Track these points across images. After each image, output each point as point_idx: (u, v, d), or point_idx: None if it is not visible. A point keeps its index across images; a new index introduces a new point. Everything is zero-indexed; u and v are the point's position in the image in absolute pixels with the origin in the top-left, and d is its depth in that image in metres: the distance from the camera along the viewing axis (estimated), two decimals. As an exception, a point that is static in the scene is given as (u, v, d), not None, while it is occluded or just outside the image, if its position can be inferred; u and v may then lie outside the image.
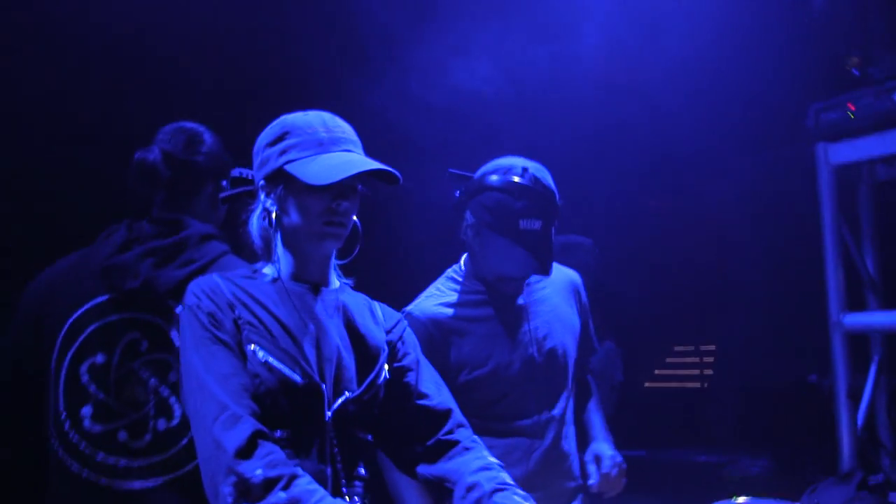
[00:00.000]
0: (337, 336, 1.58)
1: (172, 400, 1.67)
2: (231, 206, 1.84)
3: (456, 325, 2.14)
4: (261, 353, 1.48)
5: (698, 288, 4.59)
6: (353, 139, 1.60)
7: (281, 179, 1.55)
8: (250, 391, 1.45)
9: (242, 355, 1.48)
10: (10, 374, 1.80)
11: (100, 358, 1.69)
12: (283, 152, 1.55)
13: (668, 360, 5.78)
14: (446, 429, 1.64)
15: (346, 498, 1.53)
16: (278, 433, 1.47)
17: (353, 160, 1.53)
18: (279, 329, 1.51)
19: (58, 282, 1.79)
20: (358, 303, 1.68)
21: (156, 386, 1.67)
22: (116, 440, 1.66)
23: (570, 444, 2.24)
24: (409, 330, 1.74)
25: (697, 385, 5.36)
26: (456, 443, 1.63)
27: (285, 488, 1.35)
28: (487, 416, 2.12)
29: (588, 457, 2.23)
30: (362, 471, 1.58)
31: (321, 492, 1.37)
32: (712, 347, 5.24)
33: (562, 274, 2.32)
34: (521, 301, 2.18)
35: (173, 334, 1.69)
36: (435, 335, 2.12)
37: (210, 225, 1.83)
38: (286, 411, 1.47)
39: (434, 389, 1.67)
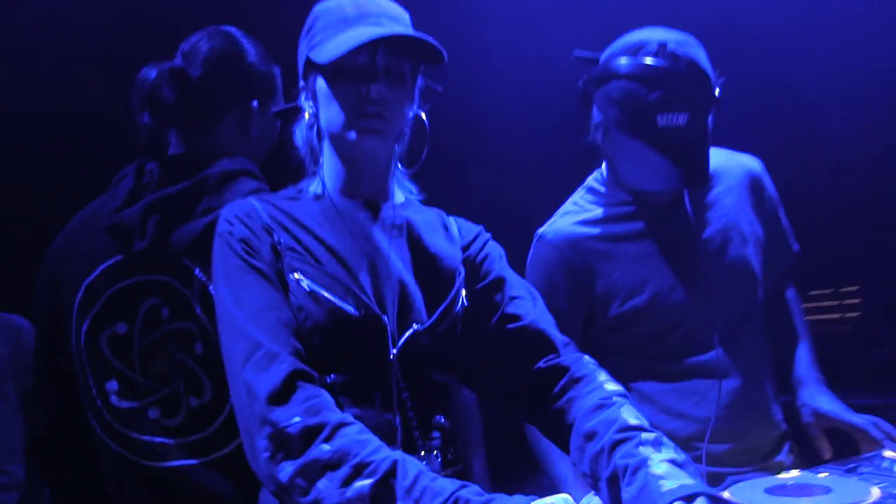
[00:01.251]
0: (399, 260, 1.35)
1: (201, 373, 1.47)
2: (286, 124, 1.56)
3: (600, 246, 1.79)
4: (305, 283, 1.26)
5: (840, 222, 4.08)
6: (391, 14, 1.36)
7: (310, 71, 1.36)
8: (292, 327, 1.23)
9: (284, 287, 1.26)
10: (47, 346, 1.60)
11: (120, 328, 1.50)
12: (310, 41, 1.36)
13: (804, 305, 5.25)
14: (547, 356, 1.39)
15: (422, 452, 1.28)
16: (332, 377, 1.25)
17: (371, 32, 1.28)
18: (326, 254, 1.30)
19: (72, 240, 1.58)
20: (427, 219, 1.45)
21: (182, 359, 1.47)
22: (147, 418, 1.48)
23: (766, 383, 1.84)
24: (491, 243, 1.49)
25: (841, 329, 4.91)
26: (564, 370, 1.37)
27: (329, 439, 1.13)
28: (652, 356, 1.78)
29: (806, 413, 1.85)
30: (442, 419, 1.34)
31: (375, 442, 1.15)
32: (856, 288, 4.78)
33: (736, 164, 1.90)
34: (682, 208, 1.77)
35: (194, 300, 1.47)
36: (574, 261, 1.78)
37: (240, 158, 1.56)
38: (340, 351, 1.26)
39: (528, 308, 1.42)
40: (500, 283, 1.44)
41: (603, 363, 1.87)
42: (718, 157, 1.87)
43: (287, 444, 1.13)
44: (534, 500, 1.03)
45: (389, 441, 1.24)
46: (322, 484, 1.11)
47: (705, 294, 1.77)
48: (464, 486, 1.09)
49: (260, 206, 1.34)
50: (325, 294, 1.26)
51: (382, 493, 1.09)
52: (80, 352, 1.52)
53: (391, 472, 1.11)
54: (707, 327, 1.77)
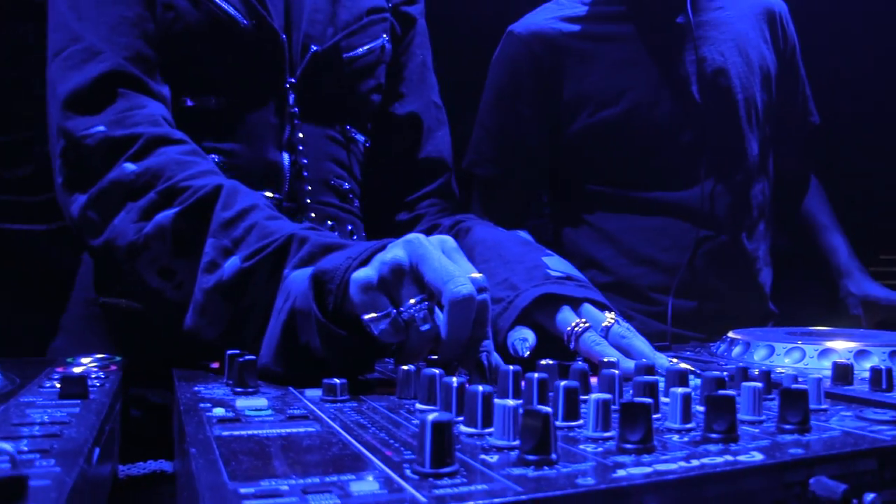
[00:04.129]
0: None
1: None
2: None
3: (576, 44, 1.50)
4: None
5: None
6: None
7: None
8: (143, 31, 0.92)
9: None
10: None
11: None
12: None
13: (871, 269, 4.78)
14: (425, 185, 1.22)
15: (311, 214, 1.02)
16: (204, 100, 0.97)
17: None
18: None
19: None
20: None
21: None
22: None
23: (757, 246, 1.55)
24: (423, 19, 1.26)
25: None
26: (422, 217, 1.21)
27: (138, 157, 0.82)
28: (620, 184, 1.49)
29: (853, 303, 1.61)
30: (345, 185, 1.03)
31: (204, 165, 0.85)
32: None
33: None
34: (681, 19, 1.48)
35: None
36: (543, 59, 1.50)
37: None
38: (219, 69, 0.98)
39: (427, 122, 1.22)
40: (408, 58, 1.22)
41: (567, 193, 1.61)
42: None
43: (83, 163, 0.82)
44: (387, 241, 0.73)
45: (273, 189, 0.97)
46: (119, 219, 0.79)
47: (695, 118, 1.47)
48: (312, 228, 0.79)
49: None
50: None
51: (189, 226, 0.78)
52: None
53: (209, 200, 0.78)
54: (689, 157, 1.47)
